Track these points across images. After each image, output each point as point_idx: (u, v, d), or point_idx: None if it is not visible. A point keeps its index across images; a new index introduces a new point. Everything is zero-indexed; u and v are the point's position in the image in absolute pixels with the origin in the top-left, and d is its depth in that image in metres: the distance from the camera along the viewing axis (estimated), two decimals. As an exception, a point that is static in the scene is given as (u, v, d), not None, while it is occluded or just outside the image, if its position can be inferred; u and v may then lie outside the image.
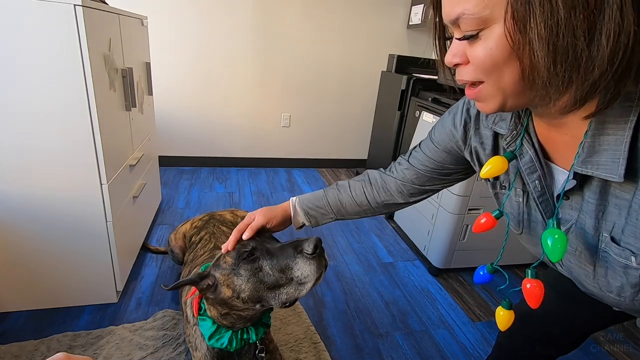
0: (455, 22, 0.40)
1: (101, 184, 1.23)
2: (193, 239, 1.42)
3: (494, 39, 0.37)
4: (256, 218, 0.77)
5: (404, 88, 2.26)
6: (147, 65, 1.84)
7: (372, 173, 0.81)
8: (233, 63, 2.80)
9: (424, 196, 0.77)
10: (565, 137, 0.46)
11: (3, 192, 1.15)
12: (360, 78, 3.09)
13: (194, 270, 1.14)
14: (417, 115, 2.09)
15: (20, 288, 1.29)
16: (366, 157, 2.89)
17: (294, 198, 0.82)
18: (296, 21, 2.79)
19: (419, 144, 0.74)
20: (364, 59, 3.03)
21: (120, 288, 1.42)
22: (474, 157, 0.63)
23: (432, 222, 1.78)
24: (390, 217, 2.28)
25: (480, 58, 0.39)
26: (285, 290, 0.73)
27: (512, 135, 0.53)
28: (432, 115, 1.87)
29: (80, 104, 1.11)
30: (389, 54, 2.57)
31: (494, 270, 0.60)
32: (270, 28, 2.76)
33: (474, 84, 0.43)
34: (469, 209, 1.65)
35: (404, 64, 2.46)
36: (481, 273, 0.60)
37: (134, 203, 1.56)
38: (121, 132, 1.42)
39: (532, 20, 0.34)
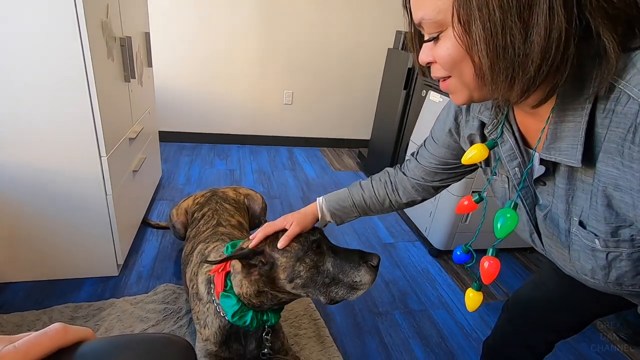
0: (420, 26, 0.44)
1: (100, 157, 1.20)
2: (195, 215, 1.41)
3: (450, 40, 0.41)
4: (292, 227, 0.79)
5: (410, 66, 2.19)
6: (147, 36, 1.78)
7: (391, 171, 0.83)
8: (235, 38, 2.71)
9: (438, 191, 0.80)
10: (541, 124, 0.47)
11: (1, 164, 1.13)
12: (366, 55, 3.01)
13: (198, 247, 1.13)
14: (423, 95, 2.04)
15: (21, 259, 1.29)
16: (369, 138, 2.85)
17: (320, 199, 0.85)
18: (301, -6, 2.68)
19: (424, 141, 0.76)
20: (370, 36, 2.94)
21: (120, 262, 1.42)
22: (469, 147, 0.64)
23: (434, 203, 1.77)
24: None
25: (441, 57, 0.43)
26: (336, 290, 0.79)
27: (493, 123, 0.55)
28: (439, 95, 1.83)
29: (77, 72, 1.07)
30: (396, 31, 2.48)
31: (467, 251, 0.64)
32: (274, 3, 2.66)
33: (445, 78, 0.47)
34: (473, 191, 1.63)
35: (411, 42, 2.38)
36: (458, 253, 0.65)
37: (134, 177, 1.54)
38: (120, 103, 1.38)
39: (473, 23, 0.38)
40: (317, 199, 0.86)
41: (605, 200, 0.41)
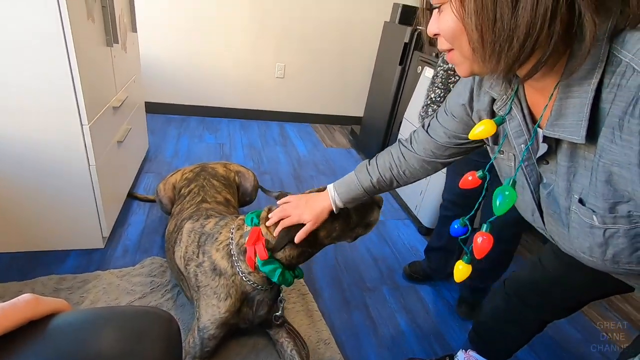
0: None
1: (82, 125, 1.15)
2: (182, 191, 1.37)
3: (449, 13, 0.43)
4: (309, 225, 0.87)
5: (407, 41, 2.13)
6: (131, -2, 1.67)
7: (395, 152, 0.83)
8: (226, 6, 2.59)
9: (445, 167, 0.80)
10: (547, 100, 0.47)
11: (-26, 128, 1.06)
12: (362, 28, 2.92)
13: (186, 225, 1.10)
14: (418, 71, 2.00)
15: (3, 229, 1.24)
16: (362, 115, 2.80)
17: (332, 191, 0.89)
18: (295, -40, 2.55)
19: (436, 114, 0.75)
20: (366, 8, 2.84)
21: (106, 234, 1.39)
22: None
23: (425, 181, 1.76)
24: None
25: (442, 29, 0.45)
26: (357, 230, 0.98)
27: (502, 99, 0.55)
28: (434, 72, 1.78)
29: (54, 32, 1.00)
30: (394, 3, 2.40)
31: (465, 224, 0.66)
32: (266, -34, 2.53)
33: (449, 50, 0.48)
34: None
35: (409, 15, 2.30)
36: (455, 226, 0.67)
37: (119, 148, 1.49)
38: (102, 69, 1.31)
39: None
40: (328, 188, 0.90)
41: (604, 176, 0.42)
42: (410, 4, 2.33)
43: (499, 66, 0.42)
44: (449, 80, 1.22)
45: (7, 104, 1.06)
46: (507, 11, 0.38)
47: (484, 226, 0.55)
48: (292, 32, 2.81)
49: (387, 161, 0.83)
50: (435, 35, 0.48)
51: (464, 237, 0.66)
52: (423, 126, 0.77)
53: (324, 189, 0.96)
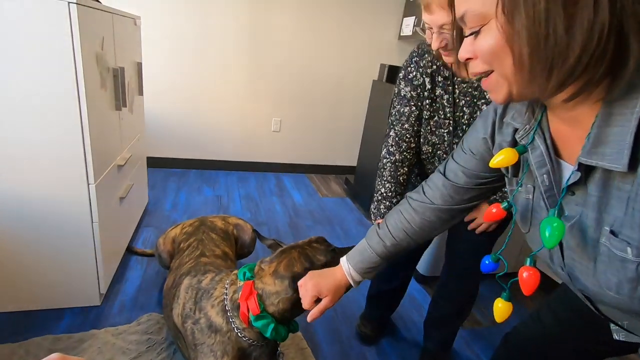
0: (462, 20, 0.46)
1: (88, 184, 1.21)
2: (182, 245, 1.39)
3: (491, 32, 0.43)
4: (326, 301, 0.81)
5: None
6: (139, 66, 1.82)
7: (406, 208, 0.78)
8: (225, 65, 2.80)
9: (464, 214, 0.76)
10: (580, 132, 0.47)
11: (-15, 190, 1.12)
12: (352, 86, 3.13)
13: (185, 282, 1.12)
14: (406, 125, 2.13)
15: (-1, 289, 1.25)
16: (355, 165, 2.91)
17: (346, 264, 0.83)
18: (290, 28, 2.81)
19: (452, 155, 0.73)
20: (355, 68, 3.07)
21: (103, 291, 1.39)
22: None
23: (419, 229, 1.80)
24: (378, 224, 2.29)
25: (482, 50, 0.44)
26: None
27: (524, 129, 0.55)
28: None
29: (70, 102, 1.10)
30: (380, 64, 2.61)
31: (497, 260, 0.63)
32: (264, 33, 2.78)
33: (487, 75, 0.47)
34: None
35: (394, 74, 2.51)
36: (487, 262, 0.64)
37: (120, 204, 1.54)
38: (110, 131, 1.40)
39: (517, 12, 0.39)
40: (342, 261, 0.84)
41: None
42: (395, 64, 2.54)
43: (549, 83, 0.41)
44: (398, 173, 1.12)
45: (20, 164, 1.12)
46: (562, 26, 0.37)
47: (527, 260, 0.52)
48: (287, 89, 3.00)
49: (398, 221, 0.78)
50: (467, 59, 0.48)
51: (502, 274, 0.62)
52: (439, 171, 0.74)
53: (320, 239, 0.99)
